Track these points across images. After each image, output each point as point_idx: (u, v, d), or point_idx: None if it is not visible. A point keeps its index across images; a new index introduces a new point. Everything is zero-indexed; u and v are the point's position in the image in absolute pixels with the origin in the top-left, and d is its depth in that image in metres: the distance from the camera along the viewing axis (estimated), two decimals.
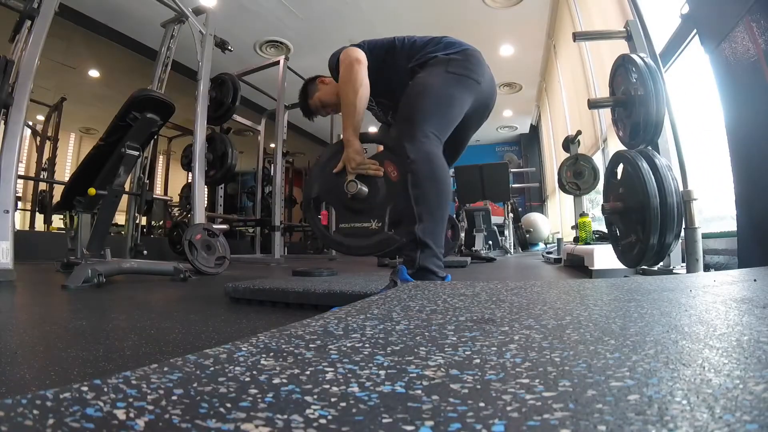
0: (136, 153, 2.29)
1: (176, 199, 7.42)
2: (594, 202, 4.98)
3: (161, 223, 7.39)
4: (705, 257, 1.79)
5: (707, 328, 0.47)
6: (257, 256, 5.51)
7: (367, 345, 0.44)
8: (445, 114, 1.32)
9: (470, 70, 1.36)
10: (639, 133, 1.79)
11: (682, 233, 1.63)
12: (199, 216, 3.29)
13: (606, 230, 2.05)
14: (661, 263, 1.83)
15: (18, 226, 5.48)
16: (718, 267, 2.01)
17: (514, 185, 6.84)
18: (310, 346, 0.44)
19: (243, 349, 0.43)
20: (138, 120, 2.22)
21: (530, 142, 10.54)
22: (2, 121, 2.18)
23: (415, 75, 1.40)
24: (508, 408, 0.26)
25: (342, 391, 0.31)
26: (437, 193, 1.22)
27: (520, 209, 8.98)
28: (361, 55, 1.39)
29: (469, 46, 1.44)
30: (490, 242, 5.73)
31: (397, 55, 1.47)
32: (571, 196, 3.72)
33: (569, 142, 3.72)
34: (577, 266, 2.79)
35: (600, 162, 4.09)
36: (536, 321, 0.54)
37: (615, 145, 2.97)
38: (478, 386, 0.31)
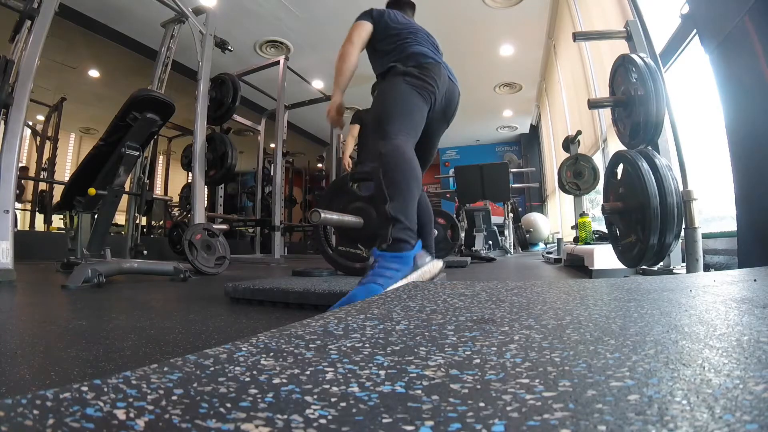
0: (136, 153, 2.29)
1: (176, 199, 7.42)
2: (594, 202, 4.98)
3: (161, 223, 7.39)
4: (705, 257, 1.79)
5: (707, 328, 0.47)
6: (257, 256, 5.51)
7: (367, 345, 0.44)
8: (410, 119, 1.44)
9: (425, 81, 1.47)
10: (639, 133, 1.79)
11: (682, 233, 1.63)
12: (199, 216, 3.29)
13: (606, 230, 2.05)
14: (661, 263, 1.83)
15: (18, 226, 5.48)
16: (718, 267, 2.01)
17: (514, 185, 6.82)
18: (310, 346, 0.44)
19: (243, 349, 0.43)
20: (138, 120, 2.22)
21: (530, 142, 10.53)
22: (2, 121, 2.18)
23: (381, 80, 1.57)
24: (508, 408, 0.26)
25: (342, 391, 0.31)
26: (405, 177, 1.30)
27: (520, 209, 8.98)
28: (357, 37, 1.59)
29: (430, 58, 1.55)
30: (490, 242, 5.73)
31: (383, 45, 1.62)
32: (571, 196, 3.72)
33: (569, 142, 3.72)
34: (577, 266, 2.79)
35: (600, 162, 4.09)
36: (536, 321, 0.54)
37: (615, 145, 2.97)
38: (478, 386, 0.31)
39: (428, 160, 1.75)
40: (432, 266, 1.33)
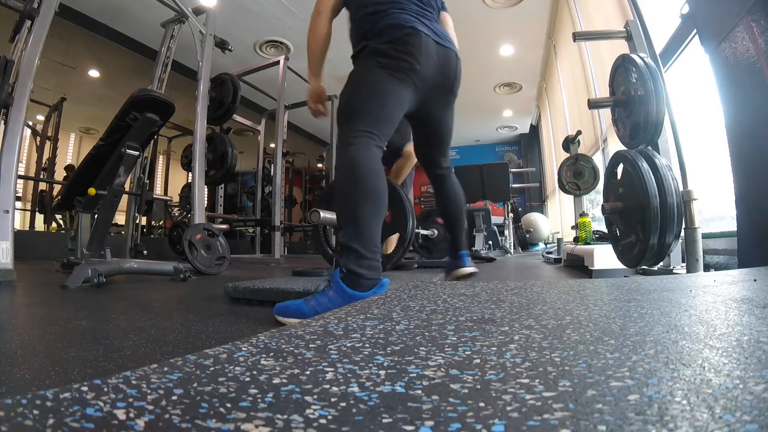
0: (136, 153, 2.29)
1: (176, 199, 7.42)
2: (594, 202, 4.98)
3: (161, 223, 7.39)
4: (705, 257, 1.79)
5: (707, 328, 0.47)
6: (257, 256, 5.50)
7: (367, 345, 0.44)
8: (380, 110, 1.24)
9: (400, 59, 1.25)
10: (639, 133, 1.79)
11: (682, 233, 1.63)
12: (199, 216, 3.28)
13: (606, 230, 2.05)
14: (661, 263, 1.83)
15: (18, 226, 5.48)
16: (718, 267, 2.01)
17: (514, 185, 6.83)
18: (310, 346, 0.44)
19: (243, 349, 0.43)
20: (138, 120, 2.22)
21: (530, 142, 10.53)
22: (2, 121, 2.18)
23: (353, 63, 1.36)
24: (508, 408, 0.26)
25: (342, 391, 0.31)
26: (357, 194, 1.12)
27: (520, 209, 8.98)
28: (322, 5, 1.40)
29: (407, 28, 1.28)
30: (490, 242, 5.73)
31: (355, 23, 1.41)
32: (571, 196, 3.72)
33: (569, 142, 3.72)
34: (577, 266, 2.79)
35: (600, 162, 4.09)
36: (536, 321, 0.54)
37: (615, 145, 2.97)
38: (478, 386, 0.31)
39: (440, 147, 1.57)
40: None
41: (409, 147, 2.78)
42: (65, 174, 6.82)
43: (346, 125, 1.24)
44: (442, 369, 0.35)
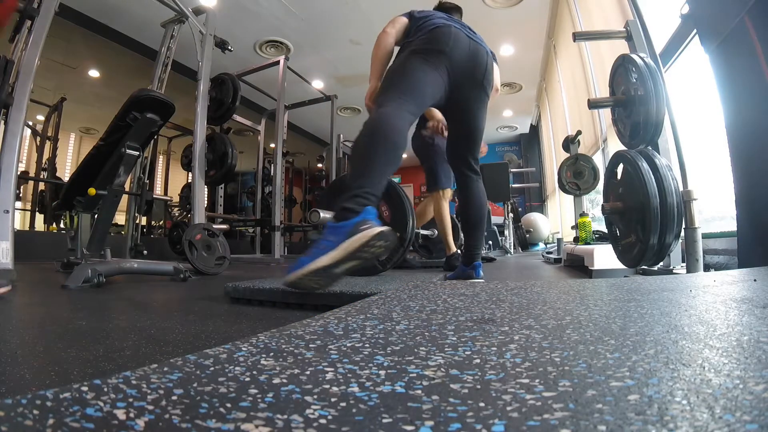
0: (136, 153, 2.29)
1: (176, 199, 7.42)
2: (594, 202, 4.97)
3: (161, 223, 7.38)
4: (705, 257, 1.79)
5: (707, 328, 0.47)
6: (257, 256, 5.51)
7: (367, 345, 0.44)
8: (409, 82, 1.36)
9: (431, 43, 1.41)
10: (639, 133, 1.79)
11: (682, 233, 1.63)
12: (199, 216, 3.28)
13: (606, 230, 2.05)
14: (661, 263, 1.83)
15: (18, 226, 5.47)
16: (718, 267, 2.01)
17: (514, 185, 6.82)
18: (310, 346, 0.44)
19: (243, 349, 0.43)
20: (138, 120, 2.22)
21: (530, 142, 10.54)
22: (2, 121, 2.18)
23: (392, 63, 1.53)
24: (508, 408, 0.26)
25: (342, 391, 0.31)
26: (376, 142, 1.19)
27: (520, 209, 8.97)
28: (390, 27, 1.57)
29: (438, 24, 1.49)
30: (490, 242, 5.72)
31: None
32: (571, 196, 3.72)
33: (569, 142, 3.72)
34: (577, 266, 2.79)
35: (600, 162, 4.09)
36: (536, 321, 0.54)
37: (615, 145, 2.97)
38: (478, 386, 0.31)
39: (469, 143, 1.64)
40: (364, 233, 1.07)
41: (446, 191, 2.79)
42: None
43: (380, 96, 1.35)
44: (442, 369, 0.35)
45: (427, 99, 1.40)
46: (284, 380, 0.33)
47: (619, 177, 1.78)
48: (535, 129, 10.21)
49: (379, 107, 1.30)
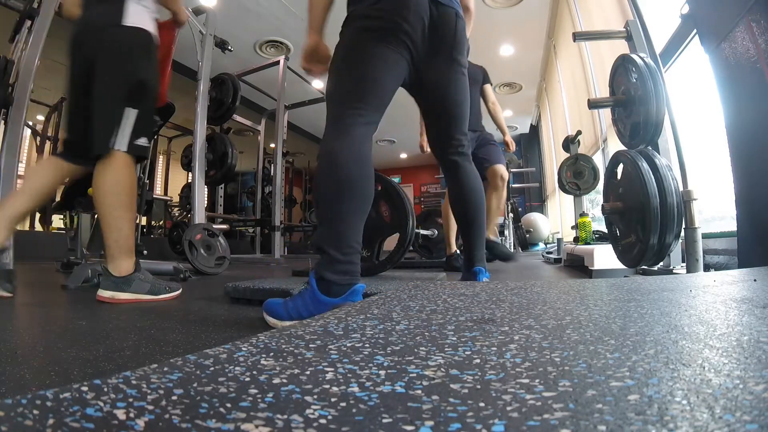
0: None
1: (176, 199, 7.42)
2: (594, 202, 4.97)
3: (161, 223, 7.38)
4: (705, 257, 1.79)
5: (707, 328, 0.47)
6: (257, 256, 5.51)
7: (367, 345, 0.44)
8: (366, 81, 1.11)
9: (383, 18, 1.12)
10: (639, 133, 1.79)
11: (682, 233, 1.63)
12: (199, 216, 3.28)
13: (606, 230, 2.05)
14: (661, 263, 1.83)
15: (18, 226, 5.46)
16: (718, 267, 2.01)
17: (514, 185, 6.83)
18: (310, 346, 0.44)
19: (243, 349, 0.43)
20: None
21: (530, 142, 10.54)
22: (2, 121, 2.18)
23: (340, 35, 1.22)
24: (508, 408, 0.26)
25: (342, 391, 0.31)
26: (332, 187, 1.02)
27: (520, 209, 8.97)
28: None
29: None
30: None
31: None
32: (571, 196, 3.72)
33: (569, 142, 3.72)
34: (577, 266, 2.79)
35: (600, 162, 4.09)
36: (536, 321, 0.54)
37: (615, 145, 2.97)
38: (478, 386, 0.31)
39: (448, 122, 1.32)
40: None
41: (495, 168, 2.80)
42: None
43: (329, 103, 1.13)
44: (442, 369, 0.35)
45: (388, 95, 1.16)
46: (284, 380, 0.33)
47: (619, 177, 1.78)
48: (535, 129, 10.21)
49: (330, 127, 1.09)
